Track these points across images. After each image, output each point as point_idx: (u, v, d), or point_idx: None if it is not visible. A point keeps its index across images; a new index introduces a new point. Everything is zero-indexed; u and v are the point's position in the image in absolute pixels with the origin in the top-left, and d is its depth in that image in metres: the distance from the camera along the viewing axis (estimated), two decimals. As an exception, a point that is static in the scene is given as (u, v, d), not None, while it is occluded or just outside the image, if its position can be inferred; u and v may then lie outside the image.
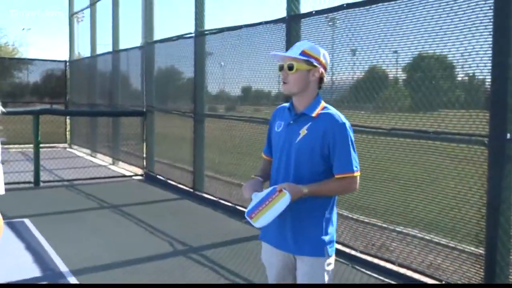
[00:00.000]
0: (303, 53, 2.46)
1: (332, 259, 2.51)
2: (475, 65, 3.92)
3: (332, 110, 2.51)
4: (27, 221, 6.15)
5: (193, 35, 7.92)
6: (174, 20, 9.58)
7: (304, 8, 5.72)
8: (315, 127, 2.45)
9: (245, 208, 6.91)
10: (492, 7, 3.75)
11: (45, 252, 4.98)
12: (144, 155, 9.89)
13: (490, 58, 3.78)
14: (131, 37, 11.14)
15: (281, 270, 2.58)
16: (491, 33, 3.76)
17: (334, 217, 2.56)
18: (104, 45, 12.82)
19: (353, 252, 5.00)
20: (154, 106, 9.61)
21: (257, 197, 2.45)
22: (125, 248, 5.25)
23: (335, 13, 5.20)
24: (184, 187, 8.25)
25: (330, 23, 5.36)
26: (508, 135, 3.68)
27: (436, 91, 4.30)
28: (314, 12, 5.43)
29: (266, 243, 2.65)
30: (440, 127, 4.23)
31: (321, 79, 2.52)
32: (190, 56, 8.05)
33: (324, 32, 5.40)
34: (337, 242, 5.21)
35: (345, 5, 5.01)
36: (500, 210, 3.75)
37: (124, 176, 10.02)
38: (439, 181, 4.25)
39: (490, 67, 3.79)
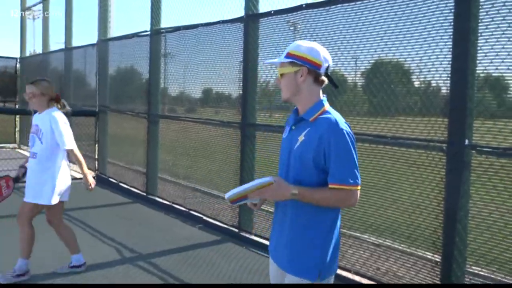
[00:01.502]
0: (287, 55, 2.29)
1: (324, 284, 2.25)
2: (435, 69, 3.85)
3: (333, 114, 2.25)
4: None
5: (148, 33, 7.64)
6: (131, 17, 9.28)
7: (263, 8, 5.57)
8: (312, 133, 2.23)
9: (199, 213, 6.69)
10: (452, 11, 3.69)
11: (-21, 260, 4.62)
12: (96, 157, 9.50)
13: (450, 62, 3.72)
14: (87, 35, 10.75)
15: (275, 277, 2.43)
16: (451, 36, 3.69)
17: (335, 239, 2.28)
18: (58, 43, 12.36)
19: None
20: (107, 106, 9.24)
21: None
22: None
23: (295, 13, 5.06)
24: (137, 191, 7.94)
25: (291, 27, 5.22)
26: (467, 141, 3.62)
27: (395, 96, 4.21)
28: (272, 12, 5.29)
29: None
30: (398, 132, 4.14)
31: (316, 78, 2.28)
32: (145, 55, 7.77)
33: (283, 32, 5.26)
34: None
35: (304, 5, 4.88)
36: (458, 218, 3.67)
37: (75, 178, 9.54)
38: (397, 187, 4.15)
39: (449, 72, 3.72)
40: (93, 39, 9.75)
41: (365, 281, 4.32)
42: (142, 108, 7.95)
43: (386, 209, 4.19)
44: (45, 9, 12.46)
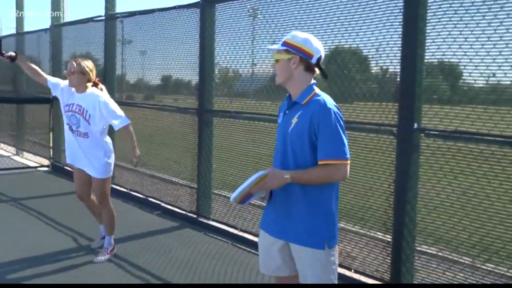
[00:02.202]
0: (284, 43, 2.50)
1: (333, 252, 2.50)
2: (386, 56, 3.96)
3: (322, 96, 2.47)
4: None
5: (103, 18, 7.50)
6: (86, 2, 9.07)
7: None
8: (304, 115, 2.43)
9: (157, 200, 6.69)
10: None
11: None
12: (51, 145, 9.30)
13: (400, 49, 3.83)
14: (40, 19, 10.47)
15: (270, 252, 2.63)
16: (401, 23, 3.80)
17: (336, 213, 2.55)
18: (8, 28, 11.94)
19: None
20: (62, 93, 9.02)
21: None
22: (25, 245, 4.85)
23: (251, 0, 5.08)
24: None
25: (251, 13, 5.23)
26: (415, 125, 3.75)
27: (350, 83, 4.30)
28: (229, -3, 5.29)
29: (261, 229, 2.70)
30: (351, 117, 4.24)
31: (308, 66, 2.48)
32: (100, 41, 7.63)
33: (239, 18, 5.27)
34: (242, 230, 5.20)
35: (261, -10, 4.91)
36: (407, 199, 3.81)
37: (29, 167, 9.37)
38: (351, 171, 4.25)
39: (399, 58, 3.83)
40: (46, 24, 9.51)
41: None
42: (98, 94, 7.81)
43: (341, 192, 4.30)
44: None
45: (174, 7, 6.10)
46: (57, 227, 5.55)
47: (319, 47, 2.50)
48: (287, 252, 2.59)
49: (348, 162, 2.41)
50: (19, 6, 10.56)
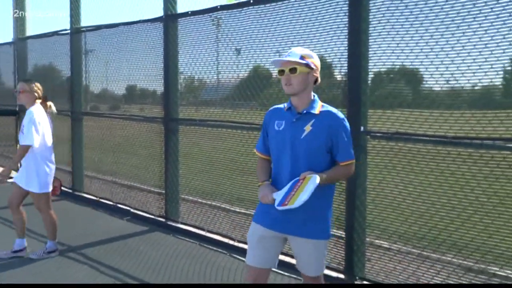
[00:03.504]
0: (302, 58, 2.79)
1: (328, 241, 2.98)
2: (334, 66, 4.37)
3: (331, 107, 2.88)
4: None
5: (68, 31, 7.71)
6: (48, 14, 9.21)
7: (182, 8, 5.89)
8: (319, 123, 2.79)
9: (127, 206, 6.89)
10: (347, 13, 4.20)
11: None
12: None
13: (346, 59, 4.24)
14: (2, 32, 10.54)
15: (271, 248, 2.91)
16: (347, 36, 4.21)
17: (332, 204, 2.99)
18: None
19: (231, 242, 5.27)
20: (28, 105, 9.15)
21: (279, 194, 2.74)
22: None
23: (212, 14, 5.42)
24: (63, 188, 7.99)
25: (213, 23, 5.55)
26: (362, 128, 4.15)
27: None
28: (190, 13, 5.62)
29: (258, 225, 2.94)
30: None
31: (316, 80, 2.88)
32: (66, 53, 7.83)
33: (202, 31, 5.59)
34: (209, 231, 5.52)
35: (219, 7, 5.26)
36: (356, 194, 4.22)
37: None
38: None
39: (346, 69, 4.25)
40: (7, 37, 9.61)
41: (281, 256, 4.75)
42: (65, 106, 8.00)
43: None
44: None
45: (138, 21, 6.39)
46: (28, 233, 5.72)
47: (319, 64, 2.92)
48: (281, 246, 2.95)
49: (354, 161, 2.91)
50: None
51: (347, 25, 4.20)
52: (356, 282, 4.25)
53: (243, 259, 4.88)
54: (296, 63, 2.77)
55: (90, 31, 7.43)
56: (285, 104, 2.94)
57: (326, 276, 4.40)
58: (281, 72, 2.81)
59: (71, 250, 5.16)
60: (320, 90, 4.59)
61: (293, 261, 4.61)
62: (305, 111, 2.82)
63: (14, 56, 9.42)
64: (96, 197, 7.30)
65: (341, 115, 2.86)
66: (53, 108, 5.14)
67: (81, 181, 7.78)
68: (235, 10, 5.15)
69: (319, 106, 2.85)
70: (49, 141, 5.00)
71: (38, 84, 5.08)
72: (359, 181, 4.20)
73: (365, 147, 4.18)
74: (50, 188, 5.05)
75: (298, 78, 2.79)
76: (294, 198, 2.63)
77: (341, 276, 4.37)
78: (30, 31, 9.27)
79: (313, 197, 2.63)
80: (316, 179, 2.65)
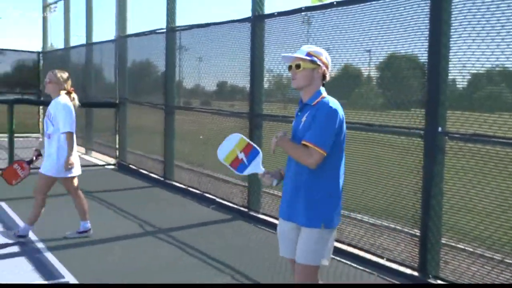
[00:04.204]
0: (308, 54, 2.91)
1: (330, 233, 2.88)
2: (414, 65, 4.45)
3: (328, 98, 2.90)
4: (3, 204, 6.46)
5: (164, 30, 8.29)
6: (147, 14, 9.91)
7: (269, 9, 6.19)
8: (312, 114, 2.85)
9: (212, 195, 7.31)
10: (428, 15, 4.26)
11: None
12: (117, 146, 10.20)
13: (426, 60, 4.30)
14: (105, 30, 11.47)
15: (289, 236, 3.00)
16: (427, 38, 4.27)
17: (335, 195, 2.90)
18: (78, 36, 13.04)
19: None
20: (127, 98, 9.93)
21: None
22: (99, 228, 5.61)
23: (296, 15, 5.66)
24: (155, 176, 8.64)
25: (303, 22, 5.77)
26: (440, 129, 4.21)
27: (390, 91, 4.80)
28: (276, 14, 5.90)
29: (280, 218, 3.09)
30: (384, 121, 4.75)
31: (324, 76, 2.95)
32: (161, 51, 8.42)
33: (288, 31, 5.85)
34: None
35: (303, 8, 5.48)
36: (432, 194, 4.28)
37: (97, 165, 10.34)
38: (383, 170, 4.76)
39: (426, 70, 4.31)
40: (106, 35, 10.44)
41: (362, 253, 4.90)
42: (159, 100, 8.61)
43: (376, 189, 4.81)
44: (66, 6, 13.16)
45: (228, 22, 6.77)
46: (125, 215, 6.33)
47: (330, 60, 2.99)
48: (297, 234, 2.95)
49: (322, 152, 2.76)
50: (89, 19, 11.59)
51: (428, 27, 4.26)
52: (429, 281, 4.32)
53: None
54: (300, 59, 2.89)
55: (183, 30, 7.95)
56: None
57: (399, 272, 4.52)
58: (289, 67, 2.95)
59: (161, 232, 5.65)
60: (397, 90, 4.70)
61: (358, 252, 4.81)
62: (305, 103, 2.94)
63: (116, 53, 10.22)
64: (185, 185, 7.81)
65: (332, 105, 2.83)
66: (76, 101, 5.36)
67: (172, 170, 8.34)
68: (318, 11, 5.35)
69: (318, 98, 2.89)
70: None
71: (64, 76, 5.24)
72: (436, 181, 4.26)
73: (443, 148, 4.23)
74: (76, 172, 5.25)
75: (302, 73, 2.89)
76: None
77: (415, 273, 4.45)
78: (130, 29, 10.01)
79: (307, 186, 2.84)
80: (238, 136, 3.07)
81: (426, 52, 4.29)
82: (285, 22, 5.89)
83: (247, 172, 3.05)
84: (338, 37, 5.15)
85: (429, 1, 4.26)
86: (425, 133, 4.34)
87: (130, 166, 9.57)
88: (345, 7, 5.02)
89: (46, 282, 4.08)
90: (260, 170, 3.01)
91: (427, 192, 4.31)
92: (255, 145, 3.07)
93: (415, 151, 4.45)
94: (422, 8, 4.32)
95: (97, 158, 11.10)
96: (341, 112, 2.87)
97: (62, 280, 4.13)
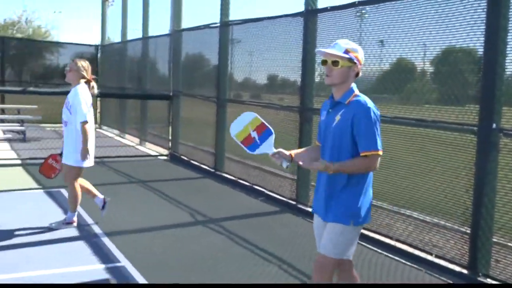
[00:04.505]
0: (346, 52, 2.85)
1: (357, 229, 2.91)
2: (469, 61, 4.37)
3: (362, 97, 2.88)
4: (63, 190, 6.81)
5: (218, 24, 8.44)
6: (199, 9, 10.11)
7: (320, 4, 6.22)
8: (347, 113, 2.84)
9: (261, 187, 7.41)
10: (485, 9, 4.18)
11: (80, 216, 5.59)
12: (170, 137, 10.49)
13: (482, 55, 4.22)
14: (159, 24, 11.81)
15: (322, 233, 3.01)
16: (483, 33, 4.19)
17: (366, 194, 2.92)
18: (133, 30, 13.46)
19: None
20: (180, 90, 10.19)
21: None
22: (152, 216, 5.86)
23: (348, 9, 5.65)
24: (206, 167, 8.84)
25: (357, 16, 5.76)
26: (494, 125, 4.13)
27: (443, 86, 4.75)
28: (329, 8, 5.91)
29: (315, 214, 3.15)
30: (437, 117, 4.70)
31: (358, 74, 2.92)
32: (214, 45, 8.58)
33: (341, 25, 5.85)
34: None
35: (356, 2, 5.47)
36: (485, 192, 4.21)
37: (150, 155, 10.68)
38: (434, 166, 4.71)
39: (481, 64, 4.23)
40: (160, 28, 10.70)
41: (411, 249, 4.87)
42: (212, 92, 8.78)
43: (426, 185, 4.76)
44: (124, 2, 13.59)
45: (281, 16, 6.83)
46: (177, 204, 6.54)
47: (363, 56, 2.93)
48: None
49: (380, 152, 2.80)
50: (145, 14, 11.96)
51: (484, 21, 4.18)
52: (479, 279, 4.26)
53: (367, 244, 5.11)
54: (339, 56, 2.83)
55: (236, 25, 8.07)
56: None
57: (448, 269, 4.47)
58: (324, 62, 2.88)
59: (212, 221, 5.81)
60: (451, 85, 4.63)
61: (406, 248, 4.78)
62: (338, 101, 2.91)
63: (170, 46, 10.49)
64: (235, 177, 7.96)
65: (368, 104, 2.82)
66: (95, 90, 5.43)
67: (222, 162, 8.51)
68: (372, 5, 5.33)
69: (351, 97, 2.87)
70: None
71: (85, 64, 5.30)
72: (489, 179, 4.19)
73: (497, 145, 4.15)
74: (87, 164, 5.25)
75: (339, 71, 2.84)
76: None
77: (464, 271, 4.40)
78: (184, 23, 10.25)
79: (335, 183, 2.86)
80: (252, 114, 3.04)
81: (482, 47, 4.21)
82: (338, 16, 5.90)
83: (258, 151, 3.02)
84: (392, 31, 5.12)
85: (485, -6, 4.18)
86: (478, 129, 4.27)
87: (182, 157, 9.82)
88: (399, 1, 4.98)
89: (103, 266, 4.30)
90: (271, 151, 2.99)
91: (479, 190, 4.25)
92: (268, 125, 3.03)
93: (468, 148, 4.38)
94: (478, 2, 4.23)
95: (150, 149, 11.45)
96: (376, 109, 2.87)
97: (118, 264, 4.34)
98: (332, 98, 2.99)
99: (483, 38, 4.20)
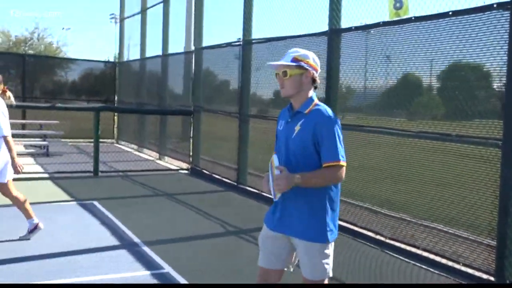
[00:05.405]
0: (294, 60, 2.79)
1: (330, 246, 2.77)
2: (492, 80, 4.64)
3: (322, 106, 2.79)
4: (95, 202, 7.06)
5: (240, 43, 8.75)
6: (219, 27, 10.42)
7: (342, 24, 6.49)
8: (307, 123, 2.74)
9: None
10: (507, 31, 4.44)
11: (117, 227, 5.85)
12: (191, 152, 10.75)
13: (505, 73, 4.48)
14: (175, 42, 12.17)
15: (275, 249, 2.86)
16: (506, 52, 4.45)
17: (334, 209, 2.78)
18: (150, 47, 13.81)
19: (382, 238, 5.72)
20: (201, 106, 10.47)
21: (271, 185, 2.78)
22: (183, 227, 6.10)
23: (373, 29, 5.93)
24: (228, 181, 9.08)
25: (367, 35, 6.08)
26: (518, 139, 4.36)
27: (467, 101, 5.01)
28: (353, 28, 6.19)
29: (264, 225, 2.97)
30: (461, 131, 4.94)
31: (313, 80, 2.83)
32: (236, 62, 8.88)
33: (361, 45, 6.14)
34: (370, 230, 5.98)
35: (381, 23, 5.75)
36: (511, 203, 4.42)
37: (171, 169, 10.94)
38: (458, 179, 4.94)
39: (504, 81, 4.49)
40: (176, 46, 11.05)
41: (438, 258, 5.07)
42: (233, 108, 9.06)
43: (448, 198, 4.99)
44: (143, 20, 13.97)
45: (305, 35, 7.12)
46: (206, 216, 6.78)
47: (318, 62, 2.87)
48: (288, 246, 2.83)
49: (344, 163, 2.68)
50: (165, 34, 12.34)
51: (507, 41, 4.44)
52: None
53: (394, 254, 5.32)
54: (286, 66, 2.78)
55: (258, 43, 8.37)
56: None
57: (475, 277, 4.67)
58: (276, 75, 2.84)
59: (242, 232, 6.05)
60: (476, 101, 4.88)
61: (433, 257, 4.98)
62: (297, 111, 2.82)
63: (187, 63, 10.81)
64: (258, 190, 8.19)
65: (329, 113, 2.74)
66: (12, 99, 5.42)
67: (245, 175, 8.75)
68: (396, 26, 5.61)
69: (311, 106, 2.78)
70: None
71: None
72: (513, 193, 4.40)
73: (520, 157, 4.37)
74: (9, 177, 5.15)
75: (290, 80, 2.78)
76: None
77: (491, 278, 4.59)
78: (205, 42, 10.57)
79: (306, 198, 2.70)
80: (273, 159, 2.72)
81: (505, 65, 4.46)
82: (361, 35, 6.18)
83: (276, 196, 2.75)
84: (416, 50, 5.40)
85: (509, 16, 4.44)
86: (503, 143, 4.49)
87: (203, 170, 10.07)
88: (423, 22, 5.26)
89: (148, 272, 4.53)
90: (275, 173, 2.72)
91: (505, 201, 4.46)
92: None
93: (492, 161, 4.61)
94: (502, 24, 4.50)
95: (170, 163, 11.71)
96: (336, 118, 2.79)
97: (162, 271, 4.57)
98: (290, 107, 2.90)
99: (506, 58, 4.46)
